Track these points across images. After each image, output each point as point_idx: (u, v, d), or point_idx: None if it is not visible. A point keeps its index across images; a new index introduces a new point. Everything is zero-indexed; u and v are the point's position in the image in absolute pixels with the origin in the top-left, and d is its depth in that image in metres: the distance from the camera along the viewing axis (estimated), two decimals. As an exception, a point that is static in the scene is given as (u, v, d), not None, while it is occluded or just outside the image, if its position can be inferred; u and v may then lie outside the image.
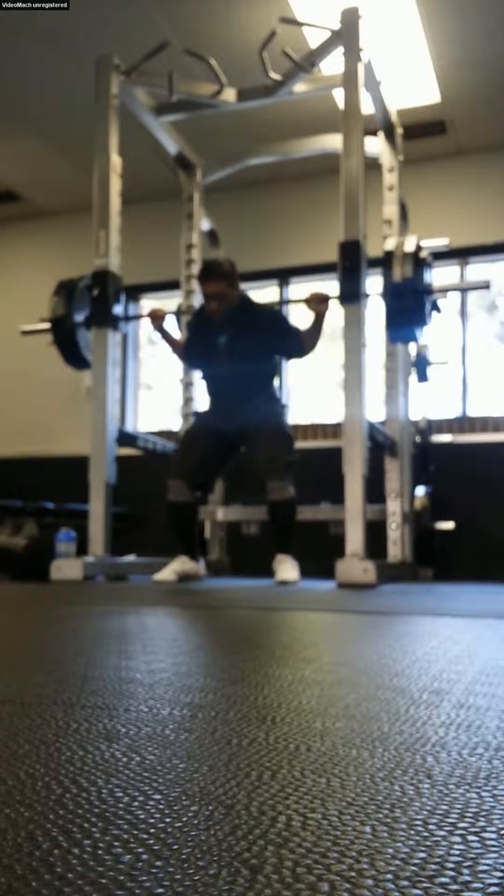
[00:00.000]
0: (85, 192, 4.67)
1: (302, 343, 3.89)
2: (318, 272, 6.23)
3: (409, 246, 3.79)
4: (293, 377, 6.46)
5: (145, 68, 4.24)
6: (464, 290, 5.51)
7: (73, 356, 4.31)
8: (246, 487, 4.57)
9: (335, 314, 3.81)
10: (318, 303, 3.80)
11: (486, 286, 4.05)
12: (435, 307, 4.03)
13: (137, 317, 4.63)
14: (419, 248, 3.82)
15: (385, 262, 3.80)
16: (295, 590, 3.46)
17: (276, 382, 4.14)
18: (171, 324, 4.48)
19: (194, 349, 4.11)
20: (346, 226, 3.78)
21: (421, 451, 5.22)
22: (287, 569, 3.78)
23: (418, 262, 3.78)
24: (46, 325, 4.29)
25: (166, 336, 4.22)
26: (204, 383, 4.26)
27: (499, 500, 5.42)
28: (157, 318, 4.16)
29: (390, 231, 4.74)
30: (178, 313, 5.18)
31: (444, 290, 4.11)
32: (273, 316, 4.03)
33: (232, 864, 0.41)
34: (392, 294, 3.79)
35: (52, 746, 0.67)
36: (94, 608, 2.30)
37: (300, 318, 4.01)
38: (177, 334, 4.48)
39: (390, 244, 3.90)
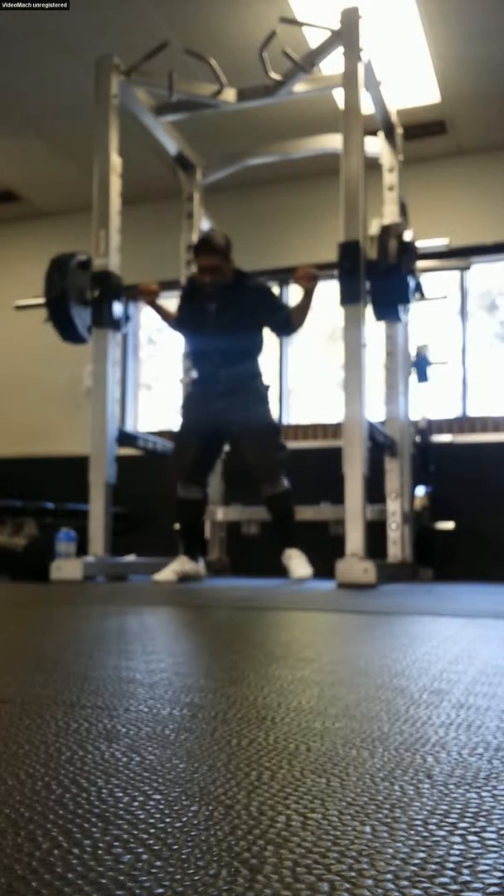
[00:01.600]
0: (85, 192, 4.67)
1: (290, 319, 3.96)
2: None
3: (395, 230, 3.91)
4: (293, 377, 6.46)
5: (145, 68, 4.24)
6: (445, 269, 5.46)
7: (69, 331, 4.27)
8: (242, 487, 4.61)
9: (325, 298, 3.83)
10: (307, 279, 3.83)
11: (466, 268, 4.16)
12: (419, 289, 4.15)
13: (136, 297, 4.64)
14: (403, 230, 3.94)
15: (371, 241, 3.92)
16: (295, 590, 3.46)
17: (261, 358, 4.15)
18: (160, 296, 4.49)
19: (185, 317, 4.16)
20: (346, 226, 3.78)
21: (421, 451, 5.22)
22: (300, 565, 3.86)
23: (402, 245, 3.89)
24: (41, 300, 4.25)
25: (159, 309, 4.25)
26: (191, 352, 4.32)
27: (499, 500, 5.42)
28: (149, 293, 4.15)
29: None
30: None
31: (426, 270, 4.18)
32: (263, 290, 4.09)
33: (232, 864, 0.41)
34: (376, 273, 3.87)
35: (52, 746, 0.67)
36: (94, 608, 2.30)
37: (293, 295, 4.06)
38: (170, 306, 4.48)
39: (375, 227, 4.01)
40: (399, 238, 3.89)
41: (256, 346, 4.10)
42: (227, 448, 4.37)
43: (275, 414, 4.22)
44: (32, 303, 4.38)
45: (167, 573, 3.92)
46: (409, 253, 3.97)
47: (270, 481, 3.89)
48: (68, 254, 4.27)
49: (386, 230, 3.96)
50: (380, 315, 4.26)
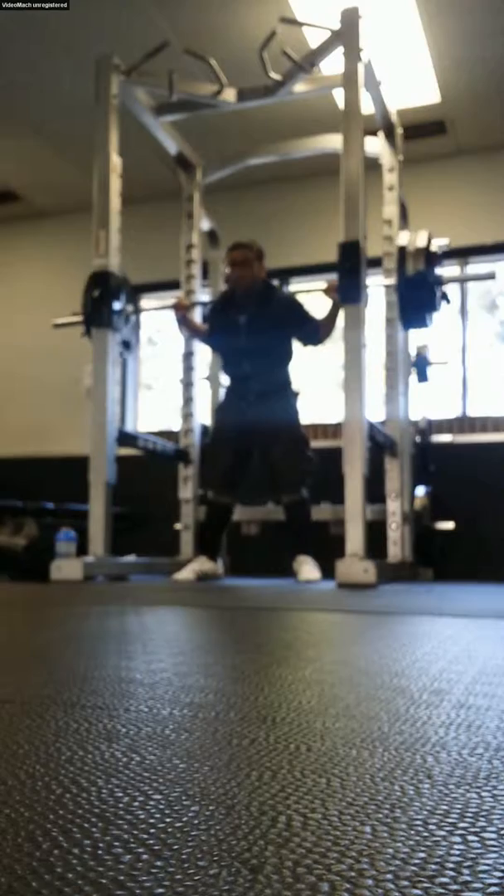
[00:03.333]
0: (85, 192, 4.67)
1: (318, 330, 4.07)
2: (318, 272, 6.23)
3: (421, 241, 4.06)
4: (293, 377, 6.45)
5: (145, 68, 4.24)
6: (468, 280, 5.61)
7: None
8: (258, 490, 4.69)
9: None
10: (335, 291, 3.91)
11: (491, 277, 4.26)
12: (444, 297, 4.27)
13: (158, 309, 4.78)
14: (430, 242, 4.08)
15: (399, 256, 4.10)
16: (295, 590, 3.46)
17: (291, 367, 4.28)
18: (194, 314, 4.69)
19: (216, 328, 4.30)
20: (346, 226, 3.78)
21: (421, 451, 5.22)
22: (309, 569, 3.91)
23: (429, 256, 4.05)
24: (79, 318, 4.29)
25: (190, 324, 4.45)
26: (223, 364, 4.47)
27: (499, 500, 5.42)
28: (181, 308, 4.38)
29: (390, 231, 4.74)
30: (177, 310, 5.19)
31: (453, 281, 4.32)
32: (292, 302, 4.20)
33: (232, 864, 0.41)
34: (406, 286, 4.06)
35: (52, 746, 0.67)
36: (94, 608, 2.30)
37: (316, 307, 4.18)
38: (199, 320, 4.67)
39: (403, 239, 4.15)
40: (428, 247, 4.03)
41: (286, 355, 4.21)
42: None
43: (303, 423, 4.33)
44: (70, 321, 4.44)
45: (187, 573, 4.02)
46: (437, 262, 4.11)
47: (291, 489, 3.97)
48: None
49: (412, 240, 4.09)
50: (408, 324, 4.41)
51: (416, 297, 4.11)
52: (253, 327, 4.05)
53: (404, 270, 4.06)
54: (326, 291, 3.98)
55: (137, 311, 4.75)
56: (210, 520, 4.28)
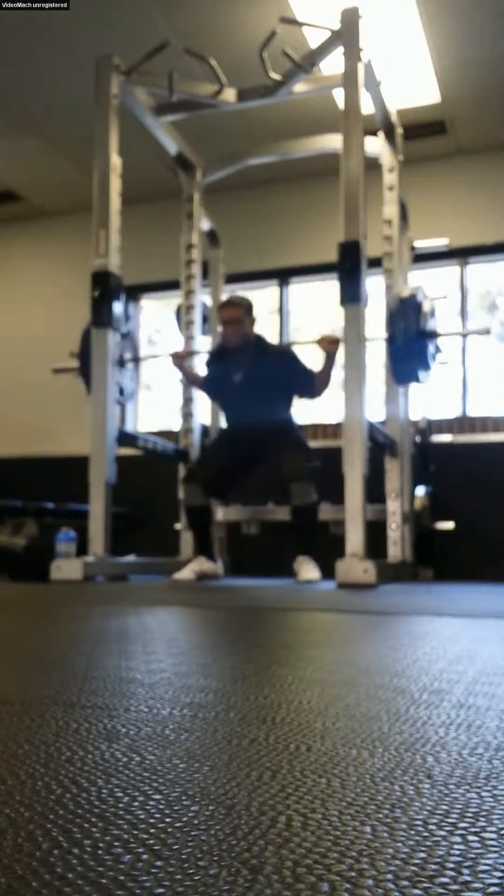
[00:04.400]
0: (85, 192, 4.67)
1: (314, 384, 4.09)
2: (318, 272, 6.24)
3: (416, 297, 4.08)
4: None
5: (145, 68, 4.24)
6: (465, 335, 5.58)
7: None
8: (267, 496, 4.74)
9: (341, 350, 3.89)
10: (328, 343, 3.96)
11: (486, 332, 4.29)
12: (437, 349, 4.29)
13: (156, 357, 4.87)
14: (424, 296, 4.09)
15: (391, 309, 4.12)
16: (295, 590, 3.46)
17: (292, 411, 4.32)
18: (192, 363, 4.78)
19: (212, 385, 4.40)
20: (346, 226, 3.78)
21: (421, 451, 5.22)
22: (309, 569, 3.94)
23: (420, 311, 4.05)
24: (75, 364, 4.41)
25: (187, 373, 4.54)
26: (223, 414, 4.56)
27: (499, 500, 5.42)
28: (179, 357, 4.48)
29: (390, 231, 4.74)
30: (178, 312, 5.20)
31: (446, 335, 4.35)
32: (288, 356, 4.23)
33: (232, 864, 0.41)
34: (397, 341, 4.06)
35: (52, 746, 0.67)
36: (94, 608, 2.30)
37: (312, 358, 4.20)
38: (198, 370, 4.74)
39: (394, 299, 4.16)
40: (419, 306, 4.03)
41: (285, 405, 4.25)
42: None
43: (303, 436, 4.38)
44: (68, 366, 4.57)
45: (186, 573, 4.05)
46: (429, 318, 4.12)
47: (300, 488, 3.98)
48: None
49: (405, 300, 4.09)
50: (400, 380, 4.43)
51: (408, 356, 4.11)
52: (249, 385, 4.12)
53: (395, 329, 4.06)
54: (321, 343, 4.01)
55: (137, 360, 4.80)
56: (188, 522, 4.34)
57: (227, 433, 4.42)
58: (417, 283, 4.20)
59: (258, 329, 4.26)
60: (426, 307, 4.10)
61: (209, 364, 4.47)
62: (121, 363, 4.22)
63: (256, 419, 4.13)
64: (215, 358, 4.40)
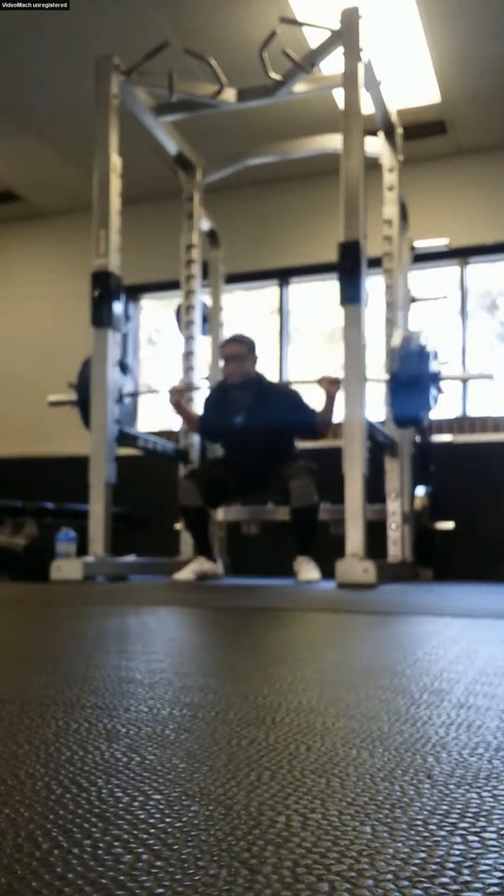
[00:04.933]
0: (85, 192, 4.67)
1: (315, 424, 4.09)
2: (318, 272, 6.24)
3: (416, 341, 4.06)
4: (293, 377, 6.46)
5: (145, 68, 4.24)
6: (466, 379, 5.58)
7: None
8: (268, 496, 4.74)
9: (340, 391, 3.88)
10: (328, 383, 3.97)
11: (489, 377, 4.30)
12: (438, 390, 4.29)
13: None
14: (426, 340, 4.08)
15: (392, 352, 4.10)
16: (296, 590, 3.46)
17: (294, 443, 4.31)
18: (188, 400, 4.77)
19: (211, 426, 4.35)
20: (346, 226, 3.78)
21: (421, 451, 5.22)
22: (309, 569, 3.94)
23: (424, 353, 4.04)
24: (73, 397, 4.39)
25: (182, 411, 4.49)
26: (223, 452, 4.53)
27: (499, 500, 5.42)
28: (177, 392, 4.43)
29: (390, 231, 4.74)
30: (178, 312, 5.20)
31: (448, 379, 4.37)
32: (289, 396, 4.23)
33: (232, 864, 0.41)
34: (399, 384, 4.05)
35: (52, 746, 0.67)
36: (94, 608, 2.30)
37: (314, 398, 4.21)
38: (194, 409, 4.70)
39: (397, 339, 4.14)
40: (421, 346, 4.02)
41: (288, 442, 4.24)
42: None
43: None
44: (64, 399, 4.53)
45: (186, 573, 4.05)
46: (430, 360, 4.10)
47: (301, 493, 3.96)
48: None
49: (407, 340, 4.08)
50: (400, 423, 4.44)
51: (409, 396, 4.10)
52: (250, 428, 4.09)
53: (397, 371, 4.04)
54: (321, 383, 4.02)
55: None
56: (186, 523, 4.34)
57: (229, 456, 4.39)
58: (419, 328, 4.18)
59: (260, 368, 4.23)
60: (428, 349, 4.09)
61: (208, 405, 4.41)
62: (119, 398, 4.19)
63: (258, 463, 4.11)
64: (215, 399, 4.35)
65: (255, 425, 4.08)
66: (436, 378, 4.19)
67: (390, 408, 4.30)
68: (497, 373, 4.66)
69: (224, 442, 4.38)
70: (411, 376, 4.02)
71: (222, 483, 4.18)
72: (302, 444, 4.36)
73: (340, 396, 3.83)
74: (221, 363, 4.25)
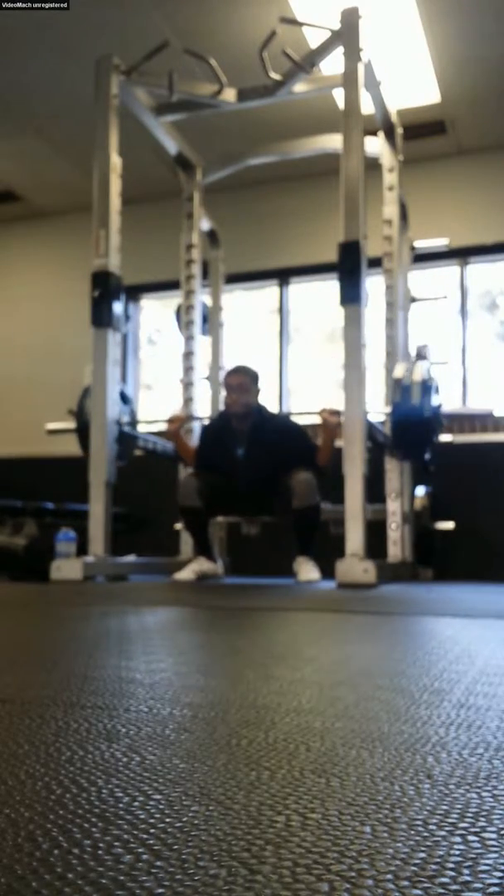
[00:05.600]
0: (85, 192, 4.67)
1: (317, 459, 4.06)
2: (318, 272, 6.24)
3: (418, 375, 4.01)
4: (293, 377, 6.46)
5: (145, 68, 4.24)
6: (468, 415, 5.57)
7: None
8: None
9: (338, 419, 3.87)
10: (328, 415, 3.94)
11: (489, 413, 4.29)
12: (440, 424, 4.27)
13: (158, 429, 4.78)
14: (428, 375, 4.05)
15: (394, 388, 4.08)
16: (295, 590, 3.46)
17: None
18: (187, 431, 4.69)
19: (210, 457, 4.22)
20: (346, 226, 3.78)
21: (421, 451, 5.21)
22: (309, 569, 3.93)
23: (426, 388, 4.01)
24: (72, 426, 4.36)
25: (180, 443, 4.35)
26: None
27: (499, 500, 5.41)
28: (175, 421, 4.32)
29: (390, 231, 4.74)
30: (178, 312, 5.20)
31: (450, 415, 4.34)
32: (291, 430, 4.21)
33: (231, 863, 0.41)
34: (401, 422, 4.03)
35: (52, 746, 0.67)
36: (94, 608, 2.30)
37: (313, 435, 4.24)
38: (192, 442, 4.62)
39: (399, 371, 4.10)
40: (424, 383, 4.01)
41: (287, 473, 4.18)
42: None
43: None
44: (63, 427, 4.51)
45: (187, 573, 4.04)
46: (431, 390, 4.08)
47: (303, 493, 3.95)
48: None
49: (409, 373, 4.06)
50: (403, 457, 4.46)
51: (412, 432, 4.08)
52: (251, 461, 4.08)
53: (399, 405, 4.01)
54: (321, 415, 4.00)
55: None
56: (185, 523, 4.32)
57: (229, 486, 4.29)
58: (421, 369, 4.12)
59: (262, 400, 4.20)
60: (430, 384, 4.06)
61: (207, 435, 4.35)
62: (119, 429, 4.15)
63: (258, 493, 4.11)
64: (214, 431, 4.29)
65: (255, 459, 4.06)
66: (437, 418, 4.17)
67: (393, 445, 4.28)
68: (497, 408, 4.66)
69: (223, 473, 4.22)
70: (414, 415, 3.99)
71: (223, 492, 4.14)
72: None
73: (340, 432, 3.81)
74: (223, 393, 4.20)
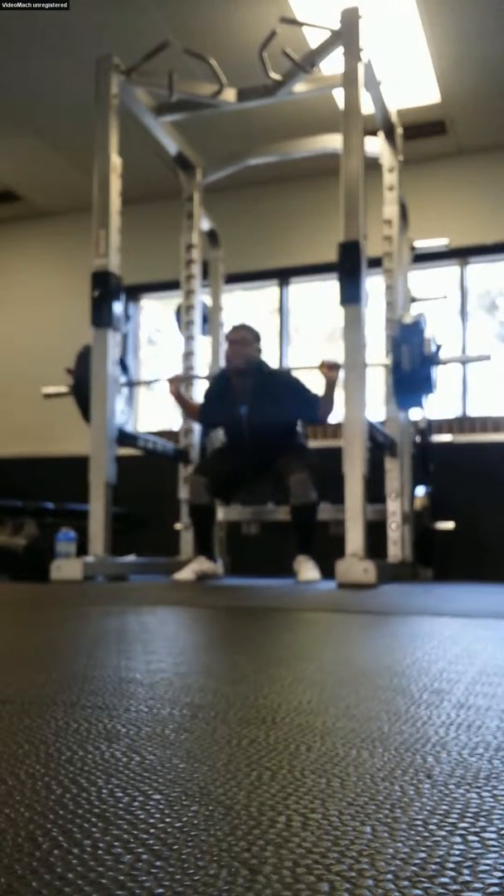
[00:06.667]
0: (85, 192, 4.67)
1: (318, 410, 4.11)
2: (318, 272, 6.24)
3: (414, 315, 4.09)
4: (293, 363, 6.46)
5: (145, 68, 4.24)
6: (465, 362, 5.58)
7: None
8: (267, 496, 4.74)
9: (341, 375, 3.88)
10: (328, 368, 3.98)
11: (486, 358, 4.30)
12: (438, 374, 4.30)
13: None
14: (426, 324, 4.10)
15: (394, 337, 4.13)
16: (295, 590, 3.46)
17: (297, 428, 4.32)
18: (190, 389, 4.79)
19: (214, 415, 4.36)
20: (346, 226, 3.78)
21: (421, 451, 5.22)
22: (308, 569, 3.94)
23: (425, 341, 4.06)
24: (66, 389, 4.44)
25: (181, 400, 4.50)
26: (224, 437, 4.52)
27: (499, 500, 5.41)
28: (176, 382, 4.45)
29: (390, 231, 4.74)
30: (178, 312, 5.20)
31: (448, 362, 4.39)
32: (292, 383, 4.23)
33: (232, 864, 0.41)
34: (401, 369, 4.05)
35: (52, 746, 0.67)
36: (94, 608, 2.30)
37: (314, 383, 4.23)
38: (195, 399, 4.71)
39: (405, 320, 4.17)
40: (423, 333, 4.05)
41: (291, 429, 4.25)
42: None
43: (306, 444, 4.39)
44: (59, 391, 4.61)
45: (186, 573, 4.05)
46: (432, 346, 4.12)
47: (300, 491, 3.98)
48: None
49: (409, 326, 4.09)
50: (403, 405, 4.47)
51: (413, 383, 4.12)
52: (254, 418, 4.11)
53: (399, 355, 4.06)
54: (321, 369, 4.03)
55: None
56: (192, 521, 4.34)
57: (233, 444, 4.38)
58: (419, 312, 4.20)
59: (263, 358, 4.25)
60: (428, 333, 4.11)
61: (209, 396, 4.41)
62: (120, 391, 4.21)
63: (262, 450, 4.13)
64: (216, 389, 4.34)
65: (258, 414, 4.09)
66: (436, 362, 4.20)
67: (393, 393, 4.32)
68: (494, 354, 4.68)
69: (227, 431, 4.36)
70: (415, 361, 4.02)
71: (233, 473, 4.18)
72: (312, 444, 4.38)
73: (340, 381, 3.84)
74: (225, 347, 4.24)
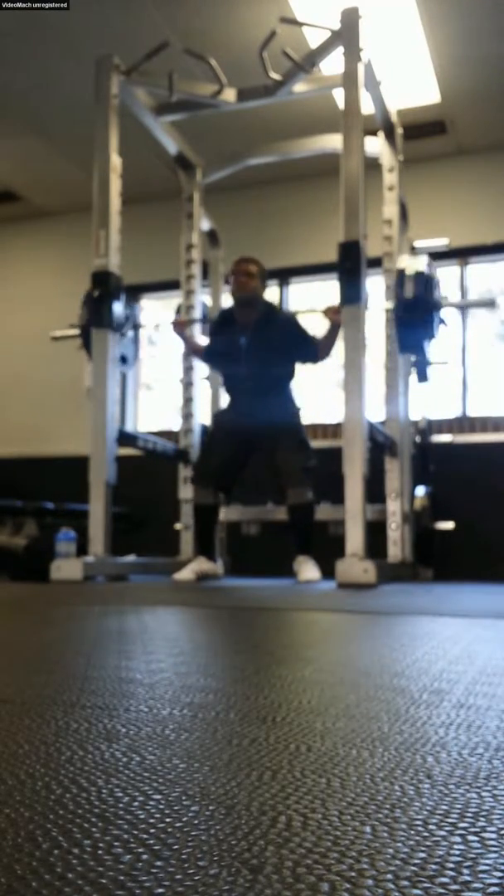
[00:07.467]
0: (85, 192, 4.67)
1: (317, 350, 4.13)
2: (318, 272, 6.23)
3: (420, 265, 4.09)
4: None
5: (145, 68, 4.24)
6: (468, 307, 5.61)
7: None
8: (263, 490, 4.73)
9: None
10: (333, 313, 3.97)
11: (490, 304, 4.31)
12: (441, 321, 4.31)
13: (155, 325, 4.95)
14: (430, 266, 4.12)
15: (397, 279, 4.14)
16: (295, 590, 3.46)
17: (292, 384, 4.33)
18: (193, 330, 4.84)
19: (216, 349, 4.38)
20: (346, 226, 3.78)
21: (421, 451, 5.21)
22: (308, 569, 3.94)
23: (428, 280, 4.08)
24: (76, 331, 4.43)
25: (188, 341, 4.59)
26: (224, 382, 4.55)
27: (499, 500, 5.41)
28: (180, 324, 4.56)
29: (390, 231, 4.74)
30: (178, 313, 5.20)
31: (450, 306, 4.34)
32: (293, 323, 4.24)
33: (232, 864, 0.41)
34: (403, 309, 4.08)
35: (52, 746, 0.67)
36: (94, 608, 2.30)
37: (315, 326, 4.28)
38: (199, 338, 4.80)
39: (403, 262, 4.19)
40: (426, 274, 4.06)
41: (287, 375, 4.26)
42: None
43: (304, 424, 4.35)
44: (67, 333, 4.62)
45: (186, 573, 4.05)
46: (435, 287, 4.14)
47: (297, 491, 3.99)
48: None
49: (412, 266, 4.13)
50: (404, 349, 4.46)
51: (414, 322, 4.13)
52: (253, 349, 4.12)
53: (402, 294, 4.08)
54: (325, 313, 4.03)
55: (136, 327, 4.84)
56: (196, 521, 4.34)
57: (225, 420, 4.35)
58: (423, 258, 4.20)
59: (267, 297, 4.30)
60: (432, 277, 4.14)
61: (213, 331, 4.46)
62: (121, 332, 4.19)
63: (258, 388, 4.12)
64: (220, 324, 4.38)
65: (258, 348, 4.10)
66: (439, 305, 4.21)
67: (395, 334, 4.34)
68: (500, 300, 4.68)
69: (227, 369, 4.34)
70: (415, 301, 4.04)
71: (227, 461, 4.15)
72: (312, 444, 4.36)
73: (342, 324, 3.84)
74: (231, 279, 4.20)
